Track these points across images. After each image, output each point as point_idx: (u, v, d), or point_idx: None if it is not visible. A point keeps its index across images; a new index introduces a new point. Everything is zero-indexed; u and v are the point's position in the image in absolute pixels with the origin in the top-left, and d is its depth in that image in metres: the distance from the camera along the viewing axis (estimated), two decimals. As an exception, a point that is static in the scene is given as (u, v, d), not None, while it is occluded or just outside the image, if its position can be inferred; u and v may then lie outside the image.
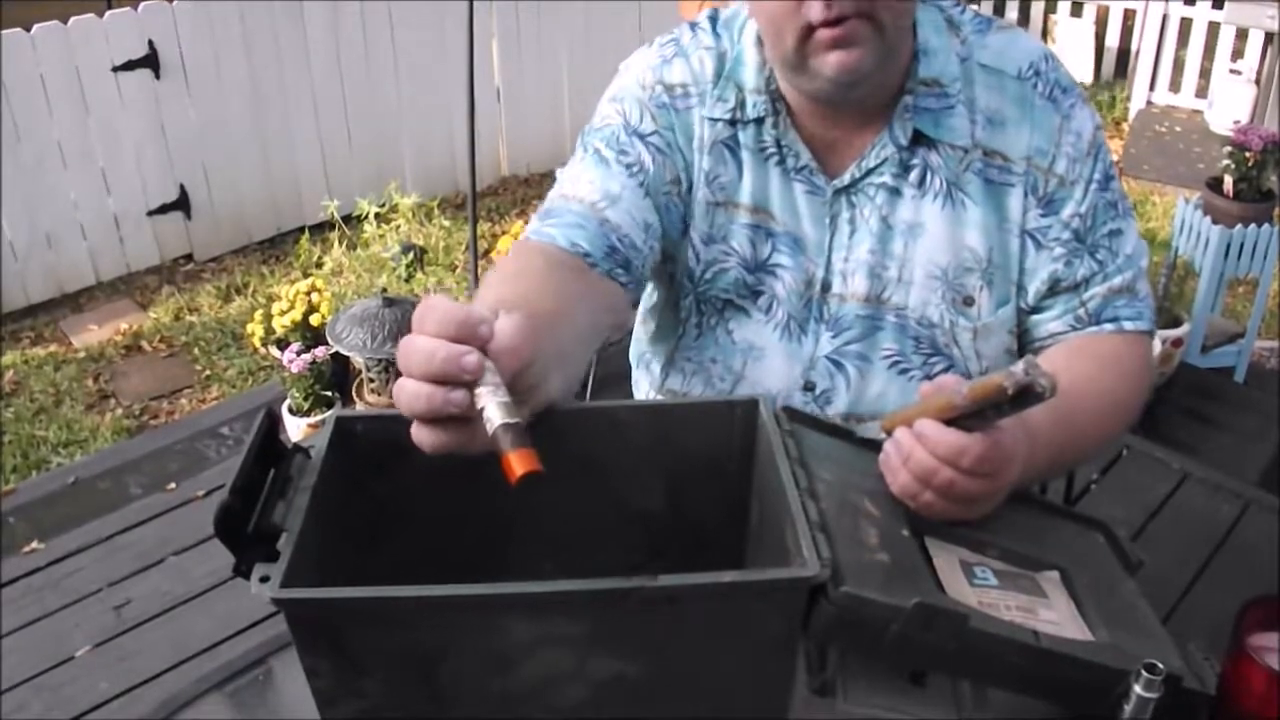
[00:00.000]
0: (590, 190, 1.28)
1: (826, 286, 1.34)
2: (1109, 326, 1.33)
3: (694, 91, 1.34)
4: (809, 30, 1.17)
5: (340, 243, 5.18)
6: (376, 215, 4.92)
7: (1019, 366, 0.92)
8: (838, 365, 1.36)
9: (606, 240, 1.23)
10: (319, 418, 3.39)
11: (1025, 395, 0.93)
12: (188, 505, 3.20)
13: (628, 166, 1.30)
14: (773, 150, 1.32)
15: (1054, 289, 1.33)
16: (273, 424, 0.92)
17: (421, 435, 0.80)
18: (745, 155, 1.33)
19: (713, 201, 1.34)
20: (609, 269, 1.23)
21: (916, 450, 1.03)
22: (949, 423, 1.01)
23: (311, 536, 0.87)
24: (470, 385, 0.77)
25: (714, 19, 1.37)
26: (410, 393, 0.78)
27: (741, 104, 1.32)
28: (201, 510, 3.14)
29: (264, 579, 0.81)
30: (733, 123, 1.32)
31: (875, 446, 1.12)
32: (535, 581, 0.80)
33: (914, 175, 1.30)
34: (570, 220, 1.24)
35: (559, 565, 0.95)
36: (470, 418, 0.78)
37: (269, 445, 0.91)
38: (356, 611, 0.82)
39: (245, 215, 5.28)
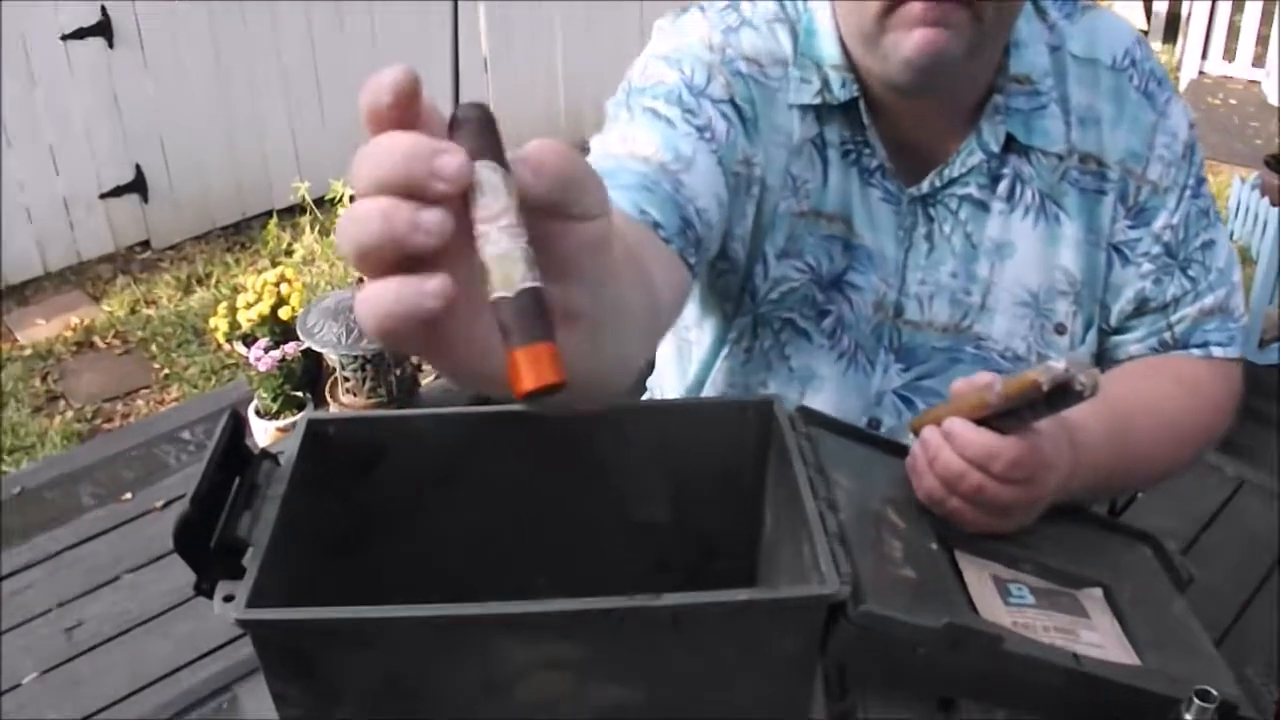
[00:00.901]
0: (655, 148, 1.13)
1: (899, 311, 1.29)
2: (1196, 352, 1.32)
3: (773, 73, 1.25)
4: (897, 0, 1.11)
5: (312, 228, 5.18)
6: (352, 198, 4.91)
7: (1058, 362, 0.92)
8: (907, 402, 1.32)
9: (681, 211, 1.09)
10: (289, 420, 3.40)
11: (1062, 394, 0.93)
12: (145, 517, 3.20)
13: (698, 129, 1.17)
14: (852, 146, 1.26)
15: (1140, 309, 1.31)
16: (238, 427, 0.92)
17: (370, 300, 0.51)
18: (831, 155, 1.26)
19: (797, 212, 1.27)
20: (681, 248, 1.08)
21: (944, 451, 1.03)
22: (981, 423, 1.02)
23: (280, 551, 0.87)
24: (452, 204, 0.52)
25: None
26: (357, 215, 0.52)
27: (826, 84, 1.24)
28: (160, 523, 3.14)
29: (228, 598, 0.81)
30: (819, 115, 1.25)
31: (901, 451, 1.12)
32: (528, 600, 0.80)
33: (1003, 187, 1.26)
34: (632, 181, 1.08)
35: (554, 579, 0.96)
36: (451, 275, 0.52)
37: (234, 450, 0.92)
38: (330, 633, 0.82)
39: (208, 198, 5.28)
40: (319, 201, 5.07)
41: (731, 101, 1.21)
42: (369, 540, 1.05)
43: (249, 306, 3.51)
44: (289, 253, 5.15)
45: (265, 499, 0.91)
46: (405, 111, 0.52)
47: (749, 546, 1.08)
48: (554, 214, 0.55)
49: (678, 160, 1.12)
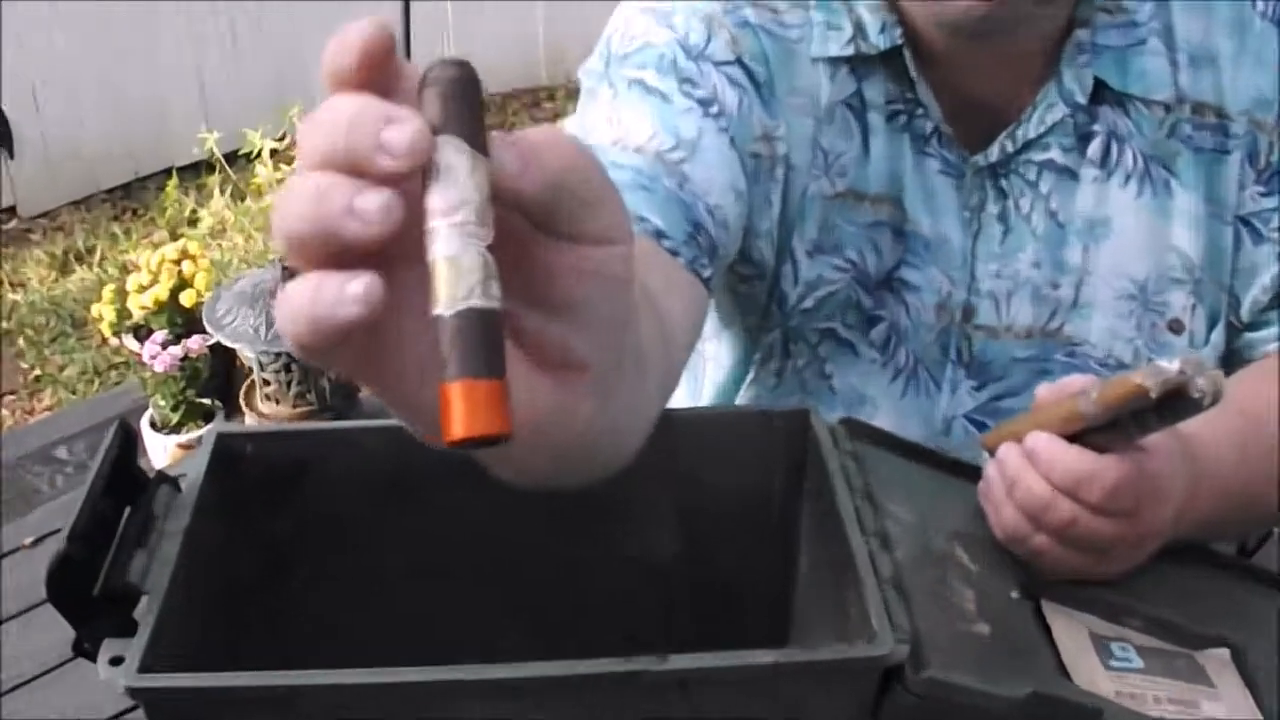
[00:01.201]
0: (649, 133, 1.13)
1: (969, 314, 1.29)
2: None
3: (791, 20, 1.24)
4: None
5: (223, 190, 5.19)
6: (273, 152, 4.93)
7: (1170, 362, 0.92)
8: (983, 430, 1.31)
9: (688, 212, 1.08)
10: (193, 435, 3.40)
11: (1176, 402, 0.93)
12: (10, 557, 3.20)
13: (701, 103, 1.17)
14: (900, 108, 1.24)
15: (1279, 299, 1.30)
16: (128, 443, 0.92)
17: (285, 300, 0.51)
18: (873, 119, 1.25)
19: (831, 195, 1.26)
20: (692, 259, 1.08)
21: (1026, 475, 1.03)
22: (1073, 438, 1.02)
23: (182, 599, 0.87)
24: (411, 188, 0.51)
25: None
26: (291, 194, 0.51)
27: (860, 29, 1.22)
28: (28, 564, 3.15)
29: (115, 660, 0.81)
30: (853, 69, 1.23)
31: (972, 474, 1.12)
32: (495, 661, 0.80)
33: (1095, 149, 1.25)
34: (623, 178, 1.07)
35: (530, 633, 0.96)
36: (395, 278, 0.50)
37: (123, 473, 0.91)
38: (244, 702, 0.82)
39: (89, 154, 5.29)
40: (231, 157, 5.08)
41: (739, 62, 1.20)
42: (295, 585, 1.05)
43: (142, 290, 3.50)
44: (193, 222, 5.16)
45: (163, 534, 0.91)
46: (373, 75, 0.51)
47: (779, 594, 1.08)
48: (550, 227, 0.53)
49: (679, 146, 1.12)
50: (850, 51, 1.22)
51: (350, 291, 0.48)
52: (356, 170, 0.49)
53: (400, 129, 0.49)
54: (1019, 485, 1.03)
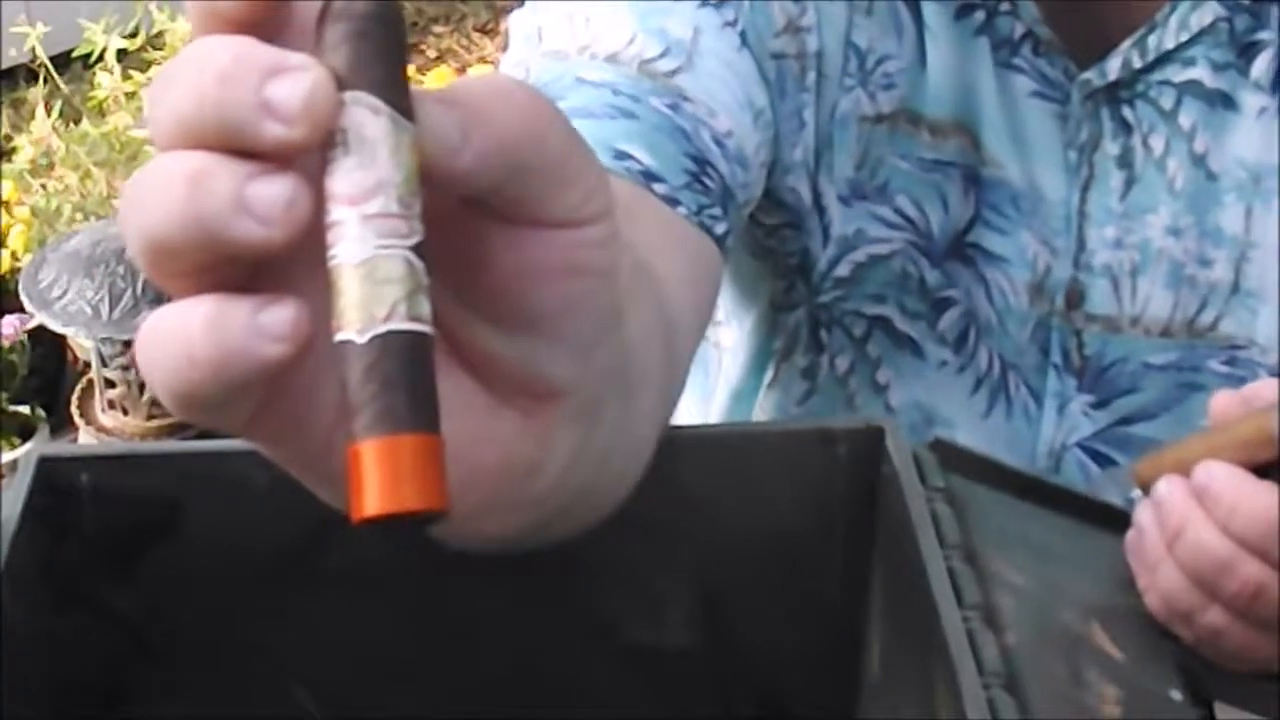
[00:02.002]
0: (627, 36, 1.13)
1: (1078, 298, 1.30)
2: None
3: None
4: None
5: (50, 109, 5.20)
6: (121, 54, 4.94)
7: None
8: (1107, 466, 1.33)
9: (688, 144, 1.08)
10: (4, 457, 3.41)
11: None
12: None
13: None
14: (978, 3, 1.24)
15: None
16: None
17: (161, 336, 0.49)
18: (930, 12, 1.24)
19: (873, 115, 1.26)
20: (697, 208, 1.07)
21: (1197, 523, 1.03)
22: (1261, 472, 1.02)
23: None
24: (307, 164, 0.50)
25: None
26: (148, 183, 0.49)
27: None
28: None
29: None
30: None
31: (1115, 519, 1.12)
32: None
33: (1263, 66, 1.24)
34: (597, 102, 1.09)
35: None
36: (301, 295, 0.49)
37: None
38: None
39: None
40: (62, 61, 5.09)
41: None
42: (152, 667, 1.05)
43: (-65, 250, 3.53)
44: (8, 154, 5.17)
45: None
46: (263, 13, 0.49)
47: (839, 686, 1.08)
48: (501, 211, 0.53)
49: (670, 52, 1.12)
50: None
51: (267, 323, 0.47)
52: (233, 144, 0.47)
53: (292, 82, 0.47)
54: (1187, 537, 1.03)
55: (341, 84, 0.49)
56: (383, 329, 0.48)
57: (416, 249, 0.48)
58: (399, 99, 0.49)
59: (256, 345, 0.46)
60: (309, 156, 0.48)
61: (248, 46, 0.47)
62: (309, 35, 0.49)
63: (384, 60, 0.50)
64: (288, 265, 0.48)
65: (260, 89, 0.46)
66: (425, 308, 0.49)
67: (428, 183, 0.49)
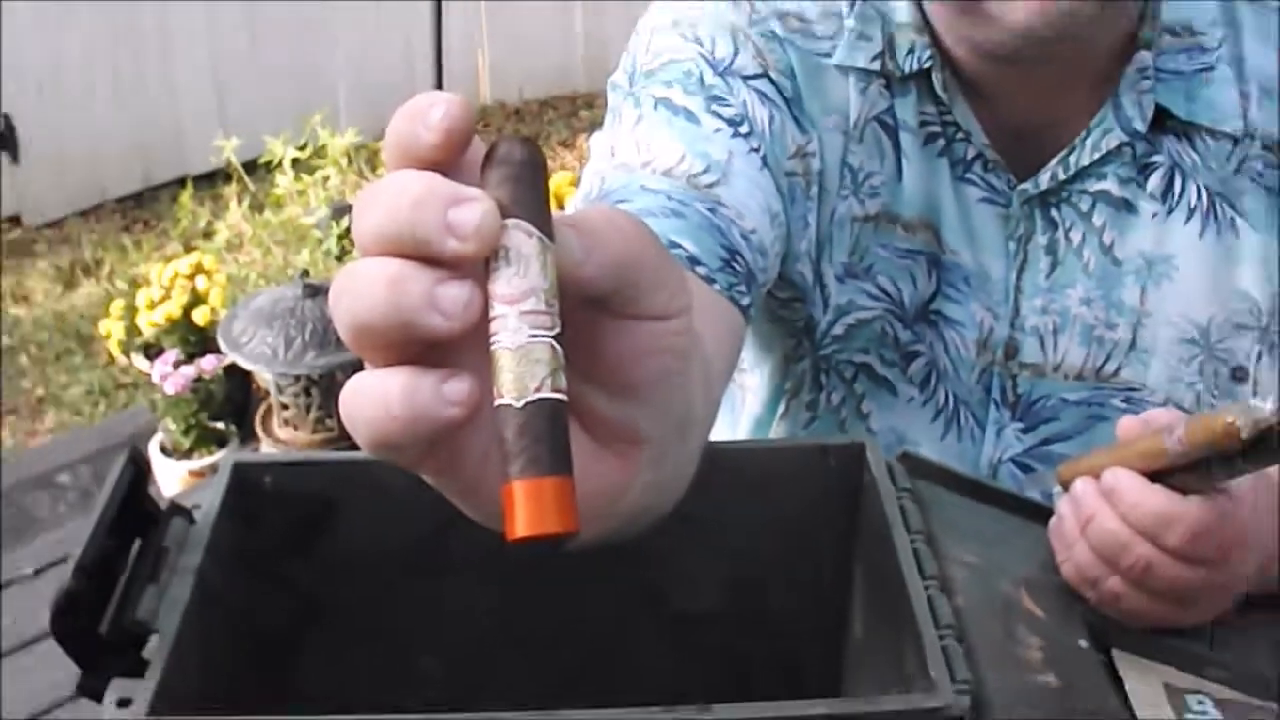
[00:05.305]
0: (678, 157, 1.12)
1: (1013, 351, 1.29)
2: None
3: (821, 31, 1.24)
4: None
5: (240, 201, 5.21)
6: (295, 162, 4.95)
7: (1267, 402, 0.92)
8: (1030, 473, 1.32)
9: (723, 239, 1.07)
10: (206, 461, 3.41)
11: (1268, 444, 0.93)
12: (9, 589, 3.21)
13: (731, 123, 1.17)
14: (937, 129, 1.25)
15: None
16: (139, 473, 0.92)
17: (366, 398, 0.51)
18: (906, 140, 1.25)
19: (862, 216, 1.26)
20: (729, 286, 1.06)
21: (1103, 514, 1.03)
22: (1155, 477, 1.02)
23: (195, 639, 0.87)
24: (476, 271, 0.51)
25: None
26: (356, 278, 0.51)
27: (891, 46, 1.23)
28: (30, 596, 3.16)
29: (123, 702, 0.81)
30: (888, 85, 1.24)
31: (1040, 514, 1.12)
32: (531, 711, 0.80)
33: (1156, 182, 1.24)
34: (654, 205, 1.07)
35: (566, 685, 0.96)
36: (469, 371, 0.51)
37: (133, 503, 0.91)
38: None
39: (99, 159, 5.32)
40: (250, 166, 5.11)
41: (767, 76, 1.21)
42: (317, 628, 1.05)
43: (153, 307, 3.52)
44: (208, 234, 5.18)
45: (175, 571, 0.90)
46: (451, 157, 0.51)
47: (831, 642, 1.08)
48: (612, 308, 0.54)
49: (710, 170, 1.12)
50: (876, 66, 1.23)
51: (449, 393, 0.49)
52: (420, 253, 0.49)
53: (469, 210, 0.49)
54: (1095, 525, 1.03)
55: (503, 212, 0.50)
56: (534, 397, 0.50)
57: (558, 338, 0.50)
58: (544, 224, 0.51)
59: (441, 408, 0.49)
60: (477, 267, 0.50)
61: (435, 181, 0.49)
62: (475, 171, 0.52)
63: (533, 195, 0.52)
64: (456, 346, 0.50)
65: (445, 214, 0.48)
66: (563, 381, 0.50)
67: (563, 290, 0.51)
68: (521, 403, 0.50)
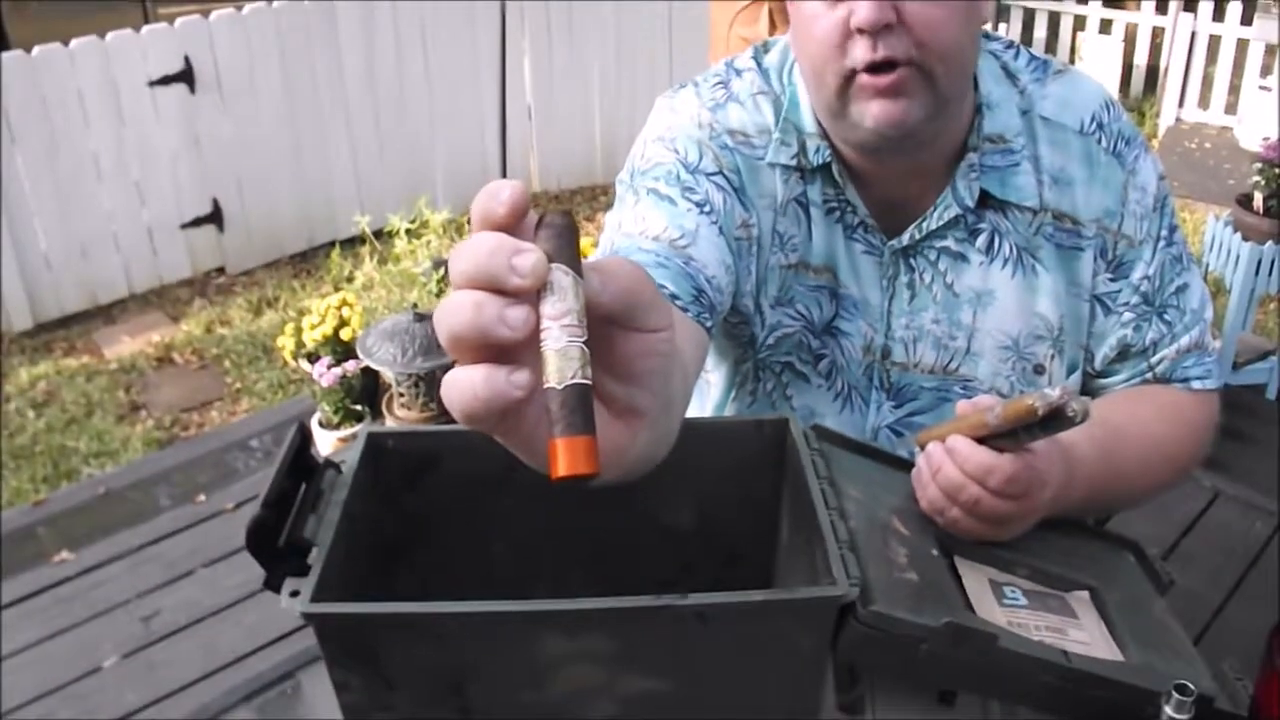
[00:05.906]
0: (662, 227, 1.14)
1: (886, 353, 1.28)
2: (1178, 386, 1.30)
3: (758, 142, 1.24)
4: (852, 75, 1.10)
5: (371, 257, 5.20)
6: (407, 231, 4.94)
7: (1054, 389, 0.92)
8: (900, 436, 1.31)
9: (693, 281, 1.09)
10: (349, 431, 3.40)
11: (1056, 418, 0.93)
12: (217, 518, 3.21)
13: (698, 205, 1.17)
14: (835, 204, 1.24)
15: (1123, 354, 1.29)
16: (304, 438, 0.93)
17: (459, 385, 0.54)
18: (814, 212, 1.24)
19: (785, 265, 1.25)
20: (697, 314, 1.09)
21: (946, 465, 1.03)
22: (981, 441, 1.02)
23: (342, 551, 0.88)
24: (531, 298, 0.54)
25: (758, 59, 1.29)
26: (451, 304, 0.53)
27: (803, 148, 1.23)
28: (230, 523, 3.15)
29: (294, 593, 0.81)
30: (802, 175, 1.23)
31: (905, 466, 1.12)
32: (567, 599, 0.80)
33: (982, 240, 1.24)
34: (646, 259, 1.09)
35: (589, 580, 0.96)
36: (528, 364, 0.54)
37: (300, 459, 0.92)
38: (387, 626, 0.82)
39: (277, 229, 5.31)
40: (378, 233, 5.10)
41: (722, 173, 1.21)
42: (421, 543, 1.05)
43: (314, 328, 3.52)
44: (350, 279, 5.17)
45: (329, 504, 0.91)
46: (514, 222, 0.54)
47: (767, 552, 1.08)
48: (620, 323, 0.57)
49: (684, 236, 1.13)
50: (794, 162, 1.23)
51: (514, 380, 0.53)
52: (493, 287, 0.53)
53: (527, 258, 0.53)
54: (941, 473, 1.04)
55: (549, 258, 0.54)
56: (570, 382, 0.53)
57: (586, 344, 0.53)
58: (577, 268, 0.54)
59: (510, 391, 0.52)
60: (531, 295, 0.53)
61: (504, 238, 0.53)
62: (529, 232, 0.55)
63: (569, 249, 0.55)
64: (518, 349, 0.53)
65: (510, 260, 0.52)
66: (589, 371, 0.54)
67: (588, 309, 0.54)
68: (562, 386, 0.53)
